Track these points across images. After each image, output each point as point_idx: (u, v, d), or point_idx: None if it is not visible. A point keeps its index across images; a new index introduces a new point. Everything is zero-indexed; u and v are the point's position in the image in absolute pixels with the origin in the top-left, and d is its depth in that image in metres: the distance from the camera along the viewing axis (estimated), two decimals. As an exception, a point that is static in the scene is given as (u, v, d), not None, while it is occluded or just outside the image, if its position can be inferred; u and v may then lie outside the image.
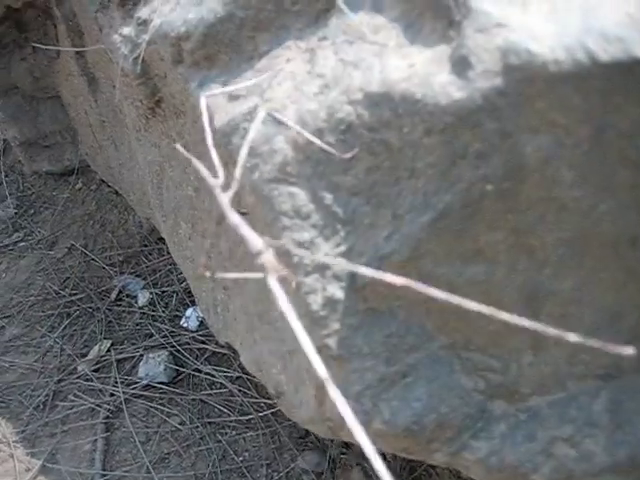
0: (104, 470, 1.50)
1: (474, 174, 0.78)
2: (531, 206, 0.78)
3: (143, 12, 1.21)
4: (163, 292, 1.84)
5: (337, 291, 0.86)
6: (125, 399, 1.61)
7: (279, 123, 0.90)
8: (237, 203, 1.04)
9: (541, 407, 0.89)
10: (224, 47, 1.03)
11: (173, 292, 1.84)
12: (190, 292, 1.58)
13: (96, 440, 1.55)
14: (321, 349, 0.89)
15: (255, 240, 0.61)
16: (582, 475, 0.85)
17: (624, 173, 0.75)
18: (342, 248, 0.86)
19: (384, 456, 1.37)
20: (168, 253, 1.78)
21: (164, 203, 1.47)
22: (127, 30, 1.26)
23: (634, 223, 0.77)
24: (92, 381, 1.67)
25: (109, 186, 2.08)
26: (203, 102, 0.85)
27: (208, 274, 0.74)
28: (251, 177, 0.91)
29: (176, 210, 1.42)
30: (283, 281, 0.91)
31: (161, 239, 1.90)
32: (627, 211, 0.77)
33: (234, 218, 0.66)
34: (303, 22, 0.97)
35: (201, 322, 1.73)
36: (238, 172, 0.82)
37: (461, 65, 0.76)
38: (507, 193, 0.78)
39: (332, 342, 0.87)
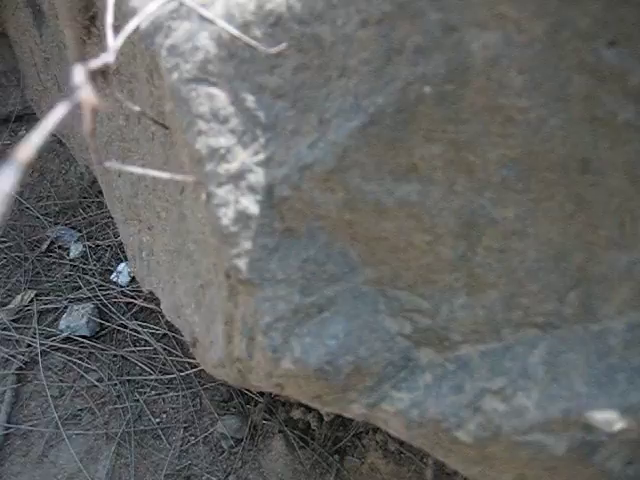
0: (9, 423, 1.37)
1: (411, 72, 0.68)
2: (474, 116, 0.69)
3: None
4: (97, 246, 1.72)
5: (252, 205, 0.76)
6: (42, 351, 1.49)
7: (204, 19, 0.80)
8: (160, 115, 0.94)
9: (472, 357, 0.79)
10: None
11: (107, 246, 1.72)
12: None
13: (5, 392, 1.43)
14: (230, 273, 0.79)
15: (79, 69, 0.50)
16: (511, 432, 0.76)
17: (579, 81, 0.66)
18: (261, 156, 0.76)
19: (309, 424, 1.27)
20: (106, 207, 1.67)
21: (97, 139, 1.36)
22: (64, -64, 1.15)
23: (587, 142, 0.68)
24: (9, 331, 1.54)
25: (54, 135, 1.96)
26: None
27: (109, 165, 0.63)
28: (170, 79, 0.81)
29: (107, 145, 1.31)
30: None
31: (101, 192, 1.79)
32: (580, 127, 0.67)
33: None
34: None
35: (133, 278, 1.61)
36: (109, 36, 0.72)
37: (406, -53, 0.67)
38: (448, 98, 0.68)
39: (242, 264, 0.77)
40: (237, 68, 0.77)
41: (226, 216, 0.76)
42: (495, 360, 0.78)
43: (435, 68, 0.67)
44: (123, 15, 1.00)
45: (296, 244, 0.77)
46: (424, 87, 0.68)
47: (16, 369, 1.46)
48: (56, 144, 1.96)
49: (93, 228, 1.76)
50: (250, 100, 0.76)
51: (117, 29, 1.10)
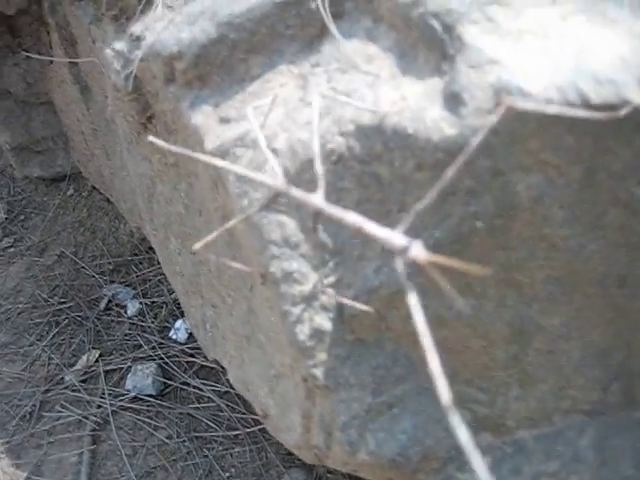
0: (90, 483, 1.49)
1: (464, 210, 0.77)
2: (521, 243, 0.78)
3: (136, 28, 1.20)
4: (153, 302, 1.83)
5: (324, 322, 0.86)
6: (112, 411, 1.60)
7: (269, 150, 0.90)
8: (225, 218, 1.03)
9: (527, 441, 0.89)
10: (216, 68, 1.02)
11: (163, 303, 1.83)
12: (180, 303, 1.57)
13: (82, 452, 1.54)
14: (307, 379, 0.89)
15: (393, 235, 0.53)
16: (566, 511, 0.85)
17: (614, 213, 0.75)
18: (331, 279, 0.86)
19: None
20: (158, 263, 1.77)
21: (154, 217, 1.46)
22: (120, 45, 1.25)
23: (623, 262, 0.77)
24: (79, 392, 1.66)
25: (101, 193, 2.07)
26: (250, 112, 0.86)
27: (212, 256, 0.73)
28: (240, 204, 0.90)
29: (166, 225, 1.41)
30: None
31: (152, 248, 1.89)
32: (616, 250, 0.76)
33: (353, 217, 0.59)
34: (296, 47, 0.96)
35: (190, 334, 1.71)
36: (318, 164, 0.81)
37: (453, 101, 0.76)
38: (497, 230, 0.78)
39: (319, 372, 0.87)
40: (304, 199, 0.86)
41: (302, 332, 0.86)
42: (549, 444, 0.87)
43: (485, 207, 0.76)
44: (184, 127, 1.10)
45: (366, 352, 0.87)
46: (476, 222, 0.77)
47: (90, 430, 1.58)
48: (104, 202, 2.07)
49: (147, 285, 1.87)
50: (318, 228, 0.86)
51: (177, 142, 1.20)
